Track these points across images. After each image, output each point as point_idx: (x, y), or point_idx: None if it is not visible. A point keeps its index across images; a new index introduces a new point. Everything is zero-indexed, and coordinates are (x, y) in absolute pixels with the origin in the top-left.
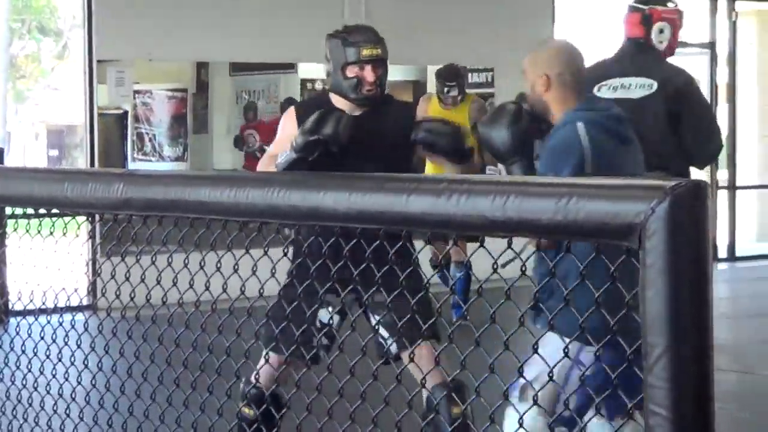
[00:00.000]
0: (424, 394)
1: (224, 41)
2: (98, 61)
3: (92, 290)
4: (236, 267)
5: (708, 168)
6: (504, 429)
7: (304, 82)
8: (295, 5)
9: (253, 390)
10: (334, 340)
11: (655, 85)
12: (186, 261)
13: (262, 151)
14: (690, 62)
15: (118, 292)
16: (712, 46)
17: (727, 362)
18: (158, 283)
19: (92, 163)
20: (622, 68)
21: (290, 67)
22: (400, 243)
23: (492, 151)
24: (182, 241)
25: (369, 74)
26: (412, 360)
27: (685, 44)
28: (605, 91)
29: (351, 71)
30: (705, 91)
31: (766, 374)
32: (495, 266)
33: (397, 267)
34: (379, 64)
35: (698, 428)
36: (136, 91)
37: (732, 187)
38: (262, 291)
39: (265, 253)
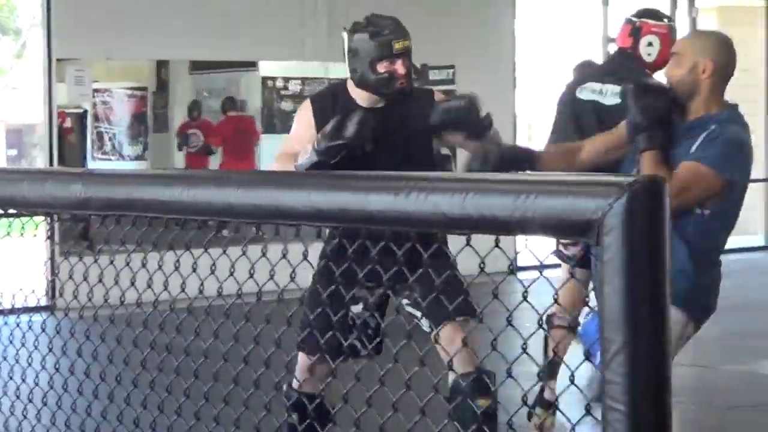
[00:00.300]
0: (451, 377)
1: (184, 40)
2: (57, 60)
3: (51, 290)
4: (195, 266)
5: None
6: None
7: (264, 80)
8: (256, 3)
9: (295, 395)
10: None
11: (616, 91)
12: (144, 261)
13: (207, 150)
14: None
15: (76, 293)
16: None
17: (688, 357)
18: (116, 283)
19: (51, 163)
20: (603, 74)
21: (251, 65)
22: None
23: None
24: (141, 240)
25: (401, 68)
26: (437, 341)
27: None
28: (585, 93)
29: (382, 66)
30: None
31: (726, 369)
32: (482, 265)
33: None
34: (408, 56)
35: (655, 424)
36: (96, 90)
37: None
38: (220, 290)
39: (224, 252)
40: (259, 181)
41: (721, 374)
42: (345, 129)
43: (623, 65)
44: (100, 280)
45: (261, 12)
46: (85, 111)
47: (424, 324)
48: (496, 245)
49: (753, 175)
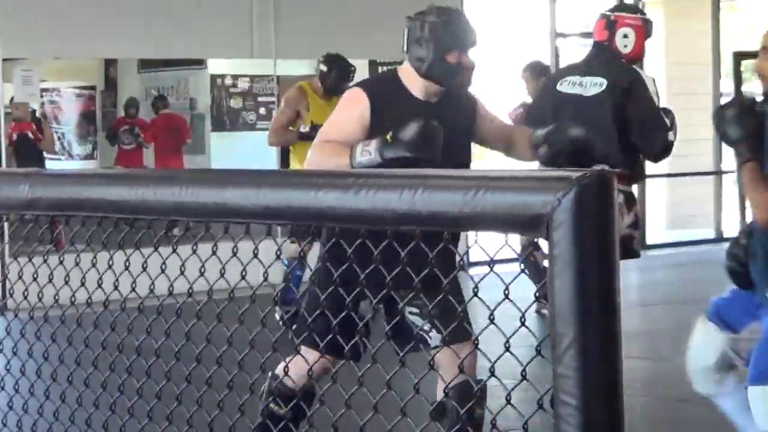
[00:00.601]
0: (441, 390)
1: (132, 38)
2: (4, 60)
3: (3, 291)
4: (145, 266)
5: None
6: None
7: (213, 78)
8: (204, 2)
9: (281, 386)
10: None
11: (605, 84)
12: (94, 260)
13: (139, 146)
14: None
15: (26, 293)
16: None
17: (639, 350)
18: (66, 283)
19: (1, 163)
20: (583, 68)
21: (199, 63)
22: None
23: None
24: (90, 240)
25: (469, 60)
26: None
27: (592, 35)
28: (566, 86)
29: (453, 57)
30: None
31: (677, 361)
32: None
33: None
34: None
35: (607, 417)
36: (44, 90)
37: (641, 176)
38: (171, 289)
39: (174, 251)
40: (207, 180)
41: (673, 367)
42: (421, 142)
43: (601, 57)
44: (50, 280)
45: (209, 10)
46: (33, 110)
47: (434, 338)
48: (444, 241)
49: (703, 169)
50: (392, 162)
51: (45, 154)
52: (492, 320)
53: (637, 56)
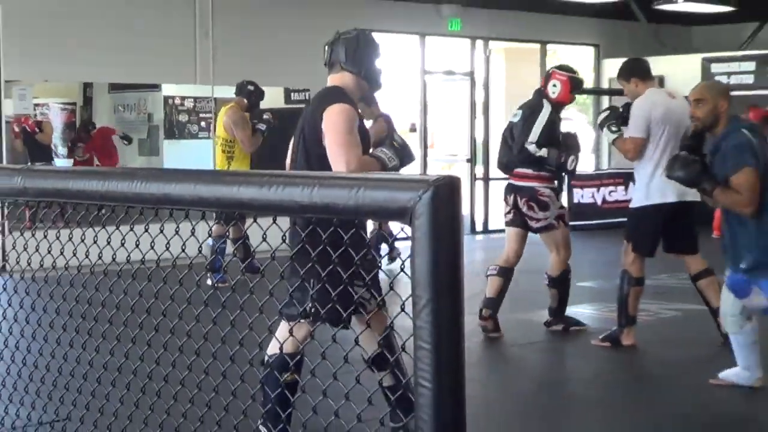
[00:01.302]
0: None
1: (105, 66)
2: (5, 81)
3: (2, 257)
4: (109, 240)
5: (468, 164)
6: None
7: (166, 98)
8: (160, 40)
9: (282, 359)
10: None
11: (520, 114)
12: (70, 235)
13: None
14: (456, 87)
15: (18, 259)
16: (471, 74)
17: (478, 307)
18: (49, 252)
19: (2, 160)
20: (523, 104)
21: (155, 87)
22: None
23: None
24: (68, 220)
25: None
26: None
27: (452, 73)
28: (514, 117)
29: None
30: (466, 108)
31: (511, 317)
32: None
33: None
34: None
35: (451, 355)
36: (36, 104)
37: (486, 179)
38: (128, 258)
39: (131, 229)
40: (157, 176)
41: (507, 321)
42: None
43: (534, 98)
44: (37, 250)
45: (163, 47)
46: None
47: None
48: (336, 227)
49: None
50: (405, 164)
51: (53, 154)
52: (391, 287)
53: (563, 101)
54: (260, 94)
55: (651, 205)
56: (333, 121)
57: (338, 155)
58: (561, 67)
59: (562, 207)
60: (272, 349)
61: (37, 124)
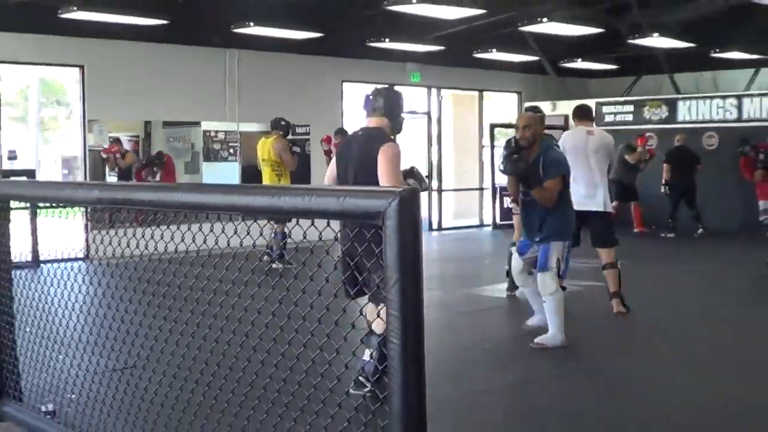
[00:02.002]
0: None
1: (159, 107)
2: (88, 120)
3: (87, 248)
4: (162, 236)
5: (428, 180)
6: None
7: (205, 132)
8: (198, 87)
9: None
10: None
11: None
12: (134, 233)
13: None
14: (418, 123)
15: (96, 251)
16: (429, 114)
17: (435, 285)
18: (119, 244)
19: (86, 178)
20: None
21: (197, 123)
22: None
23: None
24: (134, 221)
25: None
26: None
27: (414, 112)
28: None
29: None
30: (424, 138)
31: (458, 292)
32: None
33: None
34: None
35: (415, 324)
36: (110, 137)
37: (439, 190)
38: (187, 250)
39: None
40: (199, 189)
41: (456, 295)
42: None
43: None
44: (110, 243)
45: (202, 93)
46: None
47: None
48: (327, 225)
49: (472, 186)
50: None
51: (109, 173)
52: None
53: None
54: (290, 126)
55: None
56: (389, 156)
57: (391, 180)
58: (528, 108)
59: None
60: (380, 327)
61: (122, 153)
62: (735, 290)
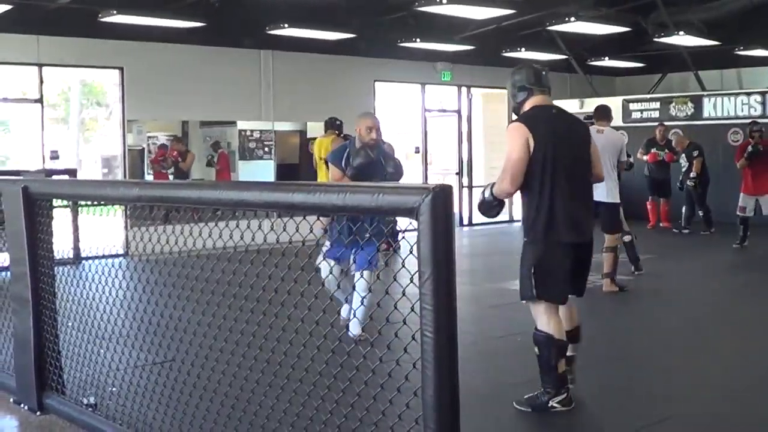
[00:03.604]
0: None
1: (196, 108)
2: (128, 121)
3: (126, 245)
4: (210, 232)
5: (457, 176)
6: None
7: (240, 131)
8: (235, 88)
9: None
10: None
11: None
12: (173, 230)
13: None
14: (447, 121)
15: (136, 247)
16: (459, 112)
17: (466, 279)
18: (158, 241)
19: (125, 176)
20: None
21: (233, 123)
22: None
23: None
24: (168, 218)
25: None
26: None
27: (444, 110)
28: None
29: None
30: (455, 135)
31: (487, 286)
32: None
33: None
34: None
35: (447, 313)
36: (149, 137)
37: (470, 186)
38: (224, 245)
39: (216, 224)
40: (236, 186)
41: (486, 288)
42: None
43: None
44: (150, 240)
45: (238, 93)
46: (143, 148)
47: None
48: (363, 223)
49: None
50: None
51: (147, 171)
52: (403, 265)
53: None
54: (342, 125)
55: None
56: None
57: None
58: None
59: None
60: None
61: (182, 154)
62: None
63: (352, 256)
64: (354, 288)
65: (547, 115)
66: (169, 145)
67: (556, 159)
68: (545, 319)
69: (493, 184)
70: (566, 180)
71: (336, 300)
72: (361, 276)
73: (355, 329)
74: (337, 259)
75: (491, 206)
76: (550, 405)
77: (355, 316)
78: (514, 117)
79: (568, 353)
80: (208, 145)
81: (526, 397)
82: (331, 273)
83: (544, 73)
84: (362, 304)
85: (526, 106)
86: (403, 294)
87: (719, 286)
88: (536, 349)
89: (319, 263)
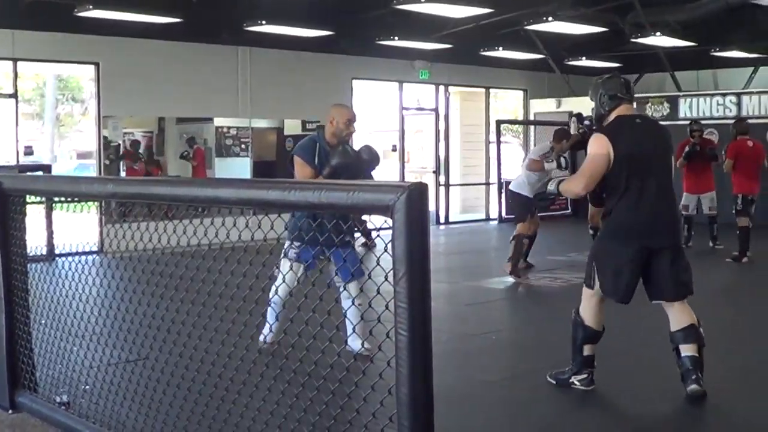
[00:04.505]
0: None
1: (173, 104)
2: (103, 117)
3: (100, 242)
4: (181, 230)
5: (434, 174)
6: None
7: (217, 128)
8: (211, 85)
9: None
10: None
11: None
12: (155, 226)
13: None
14: (424, 119)
15: (111, 244)
16: (436, 110)
17: (442, 277)
18: (132, 238)
19: (100, 173)
20: None
21: (209, 120)
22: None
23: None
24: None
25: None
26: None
27: (422, 109)
28: None
29: None
30: (432, 135)
31: (464, 284)
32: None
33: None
34: None
35: (422, 311)
36: (125, 132)
37: (447, 185)
38: (189, 243)
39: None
40: (210, 183)
41: (462, 287)
42: None
43: None
44: (124, 236)
45: (215, 90)
46: (119, 144)
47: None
48: (338, 221)
49: (478, 181)
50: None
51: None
52: (378, 263)
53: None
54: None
55: None
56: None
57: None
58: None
59: None
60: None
61: (193, 151)
62: None
63: (334, 269)
64: (346, 303)
65: (632, 124)
66: (142, 142)
67: (637, 169)
68: (585, 305)
69: (562, 179)
70: (644, 189)
71: (270, 310)
72: (346, 289)
73: (356, 344)
74: (309, 264)
75: (548, 198)
76: (571, 381)
77: (354, 331)
78: (587, 123)
79: (687, 353)
80: (185, 141)
81: (555, 371)
82: (292, 271)
83: (631, 84)
84: (362, 318)
85: (612, 116)
86: (378, 292)
87: None
88: (571, 328)
89: (284, 267)
